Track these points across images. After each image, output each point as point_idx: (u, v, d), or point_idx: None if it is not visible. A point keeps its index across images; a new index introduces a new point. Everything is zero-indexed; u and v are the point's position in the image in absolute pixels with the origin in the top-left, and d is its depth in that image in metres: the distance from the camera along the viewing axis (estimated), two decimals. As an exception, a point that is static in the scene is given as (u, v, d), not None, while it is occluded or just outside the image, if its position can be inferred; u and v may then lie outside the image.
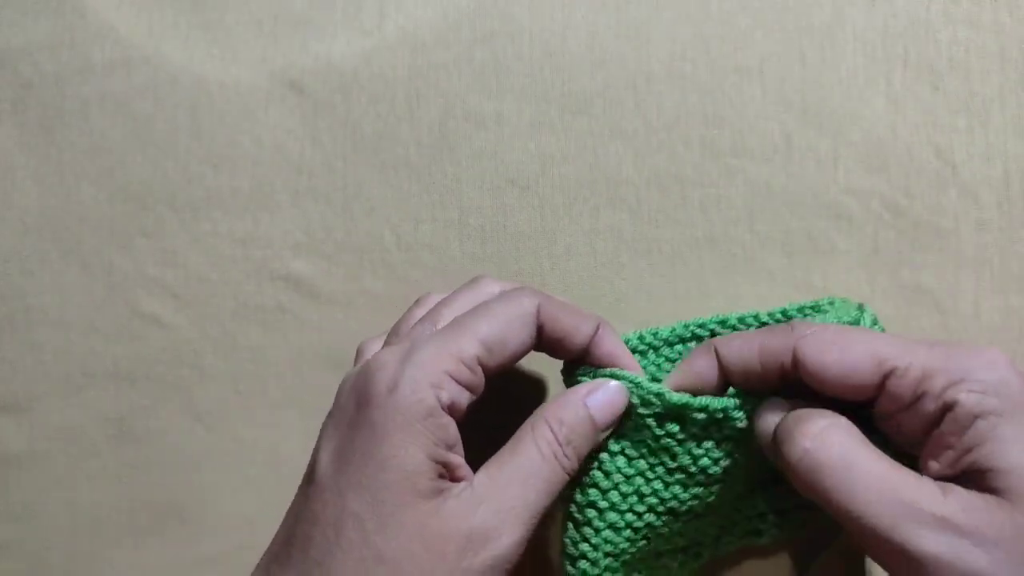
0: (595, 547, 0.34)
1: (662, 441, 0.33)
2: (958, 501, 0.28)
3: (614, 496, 0.34)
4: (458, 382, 0.31)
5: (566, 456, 0.32)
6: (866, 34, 0.41)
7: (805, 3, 0.42)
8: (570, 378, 0.35)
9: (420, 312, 0.36)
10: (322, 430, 0.33)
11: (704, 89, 0.42)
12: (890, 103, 0.41)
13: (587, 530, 0.34)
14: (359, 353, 0.36)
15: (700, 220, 0.41)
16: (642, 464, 0.34)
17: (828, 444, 0.29)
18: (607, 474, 0.34)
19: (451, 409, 0.31)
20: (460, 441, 0.32)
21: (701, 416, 0.32)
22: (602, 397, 0.33)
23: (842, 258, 0.41)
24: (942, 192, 0.41)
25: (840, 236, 0.41)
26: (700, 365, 0.33)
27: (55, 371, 0.42)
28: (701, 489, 0.34)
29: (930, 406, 0.29)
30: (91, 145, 0.43)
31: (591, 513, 0.34)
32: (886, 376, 0.29)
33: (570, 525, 0.34)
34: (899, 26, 0.41)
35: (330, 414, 0.33)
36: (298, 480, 0.41)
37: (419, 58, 0.42)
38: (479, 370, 0.32)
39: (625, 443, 0.34)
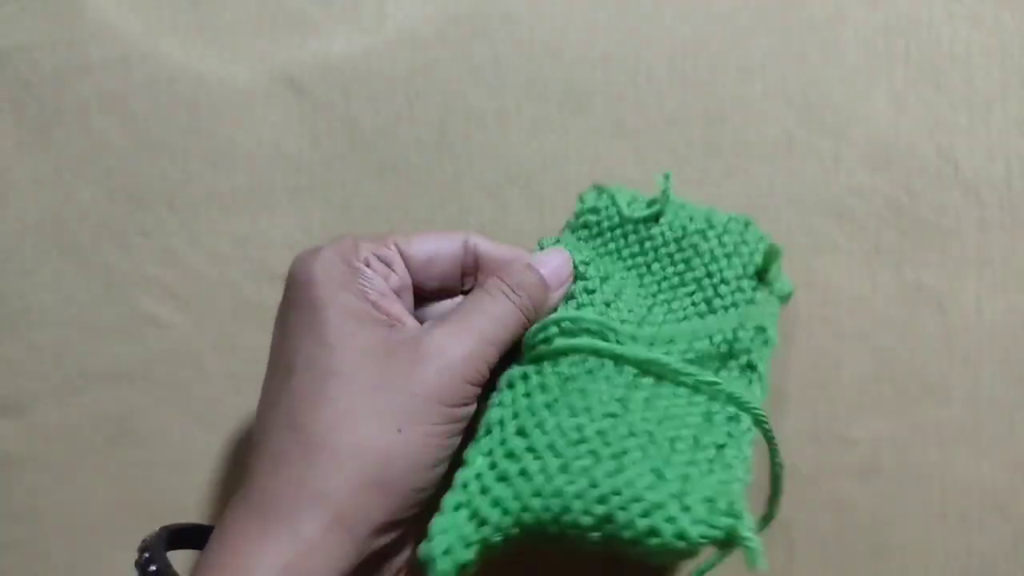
0: None
1: None
2: None
3: None
4: (374, 252, 0.33)
5: (518, 295, 0.33)
6: (868, 32, 0.41)
7: (807, 3, 0.42)
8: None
9: None
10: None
11: (705, 87, 0.42)
12: (892, 101, 0.41)
13: None
14: None
15: (701, 219, 0.41)
16: None
17: None
18: None
19: (369, 266, 0.33)
20: (396, 297, 0.33)
21: None
22: (544, 258, 0.35)
23: (844, 257, 0.41)
24: (944, 191, 0.41)
25: (842, 234, 0.41)
26: None
27: (54, 371, 0.42)
28: None
29: None
30: (89, 144, 0.43)
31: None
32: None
33: None
34: (901, 24, 0.41)
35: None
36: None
37: (418, 56, 0.42)
38: (395, 249, 0.34)
39: None
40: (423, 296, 0.36)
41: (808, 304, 0.41)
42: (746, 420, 0.32)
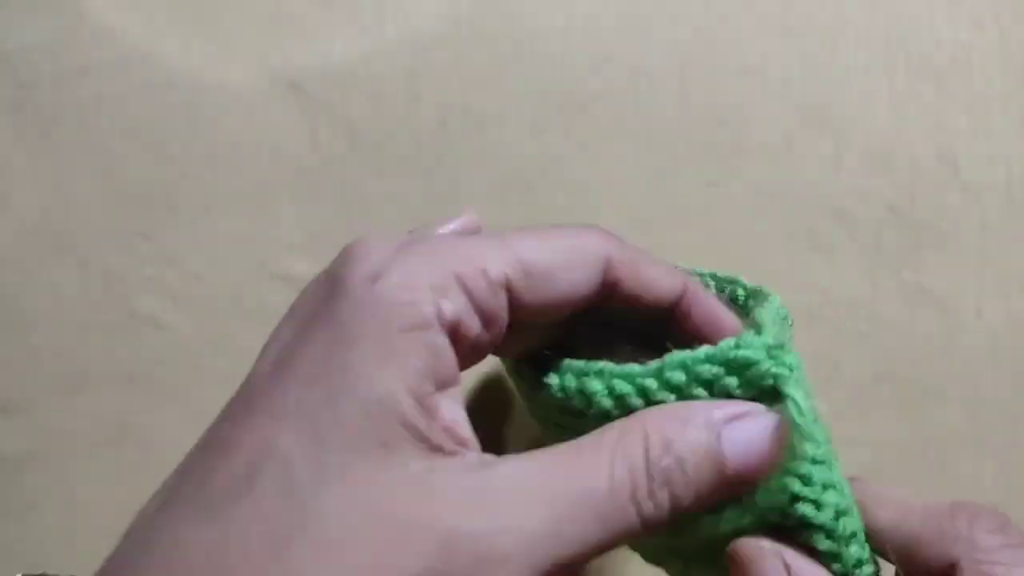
0: None
1: None
2: None
3: None
4: (471, 296, 0.21)
5: (649, 499, 0.20)
6: (868, 34, 0.41)
7: (807, 3, 0.41)
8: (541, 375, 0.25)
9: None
10: (274, 330, 0.24)
11: (705, 89, 0.42)
12: (892, 104, 0.41)
13: None
14: None
15: (700, 220, 0.41)
16: None
17: None
18: None
19: (452, 332, 0.21)
20: (459, 387, 0.22)
21: None
22: (747, 429, 0.21)
23: (843, 258, 0.41)
24: (944, 193, 0.41)
25: (842, 236, 0.41)
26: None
27: (53, 372, 0.42)
28: None
29: None
30: (89, 145, 0.43)
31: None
32: None
33: None
34: (901, 27, 0.41)
35: (288, 310, 0.24)
36: (298, 481, 0.41)
37: (419, 57, 0.42)
38: (503, 296, 0.22)
39: None
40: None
41: (808, 304, 0.41)
42: None
